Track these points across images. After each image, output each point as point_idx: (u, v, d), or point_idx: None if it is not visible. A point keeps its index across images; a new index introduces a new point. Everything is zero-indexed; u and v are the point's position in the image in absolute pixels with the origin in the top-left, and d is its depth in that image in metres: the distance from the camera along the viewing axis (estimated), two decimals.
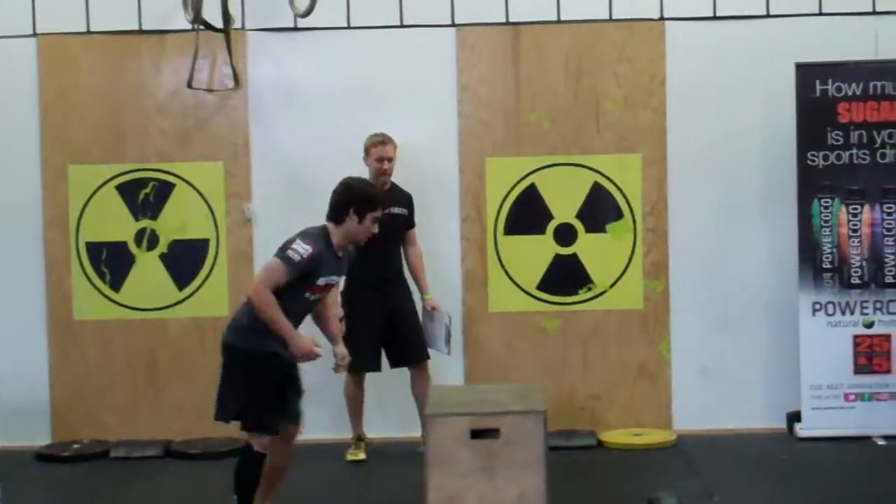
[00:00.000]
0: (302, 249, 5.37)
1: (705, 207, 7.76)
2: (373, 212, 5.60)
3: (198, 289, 7.81)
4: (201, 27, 7.29)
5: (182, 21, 7.38)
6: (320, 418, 7.14)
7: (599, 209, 7.77)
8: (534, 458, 5.30)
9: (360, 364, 6.86)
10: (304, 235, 5.48)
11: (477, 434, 5.25)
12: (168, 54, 7.79)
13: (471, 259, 7.78)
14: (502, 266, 7.77)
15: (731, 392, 7.72)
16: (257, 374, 5.43)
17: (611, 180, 7.75)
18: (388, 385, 7.33)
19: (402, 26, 7.75)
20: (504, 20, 7.74)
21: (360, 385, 7.25)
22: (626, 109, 7.73)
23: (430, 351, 7.29)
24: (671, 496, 4.61)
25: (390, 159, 7.22)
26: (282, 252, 5.40)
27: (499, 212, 7.74)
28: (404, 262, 7.33)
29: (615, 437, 7.56)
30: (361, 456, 7.21)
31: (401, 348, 7.24)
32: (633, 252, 7.76)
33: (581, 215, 7.76)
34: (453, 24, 7.75)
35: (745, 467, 6.94)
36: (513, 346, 7.72)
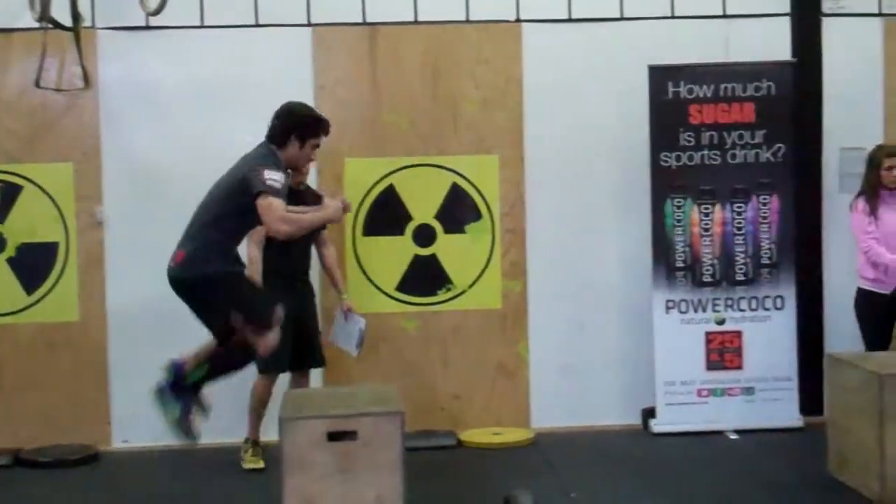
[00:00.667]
0: (277, 176, 5.36)
1: (562, 208, 7.83)
2: (315, 138, 5.63)
3: (47, 293, 7.59)
4: (49, 25, 7.07)
5: (29, 19, 7.16)
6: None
7: (458, 210, 7.79)
8: (392, 460, 5.30)
9: (276, 365, 6.75)
10: (265, 164, 5.42)
11: (334, 436, 5.21)
12: (15, 53, 7.56)
13: None
14: (361, 267, 7.73)
15: (587, 390, 7.81)
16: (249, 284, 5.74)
17: (469, 181, 7.77)
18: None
19: (257, 25, 7.65)
20: (361, 20, 7.70)
21: (271, 387, 7.00)
22: (483, 110, 7.76)
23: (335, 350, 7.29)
24: (527, 494, 4.63)
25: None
26: (262, 185, 5.32)
27: (357, 213, 7.69)
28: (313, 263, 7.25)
29: (474, 436, 7.58)
30: (261, 464, 6.94)
31: (303, 351, 7.05)
32: (491, 252, 7.80)
33: (440, 216, 7.76)
34: (309, 24, 7.67)
35: (602, 464, 7.02)
36: (372, 347, 7.69)
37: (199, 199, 5.66)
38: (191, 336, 5.72)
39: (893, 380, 6.01)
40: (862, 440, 6.22)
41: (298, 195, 6.65)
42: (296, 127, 5.57)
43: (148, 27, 7.48)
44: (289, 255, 6.84)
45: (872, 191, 7.22)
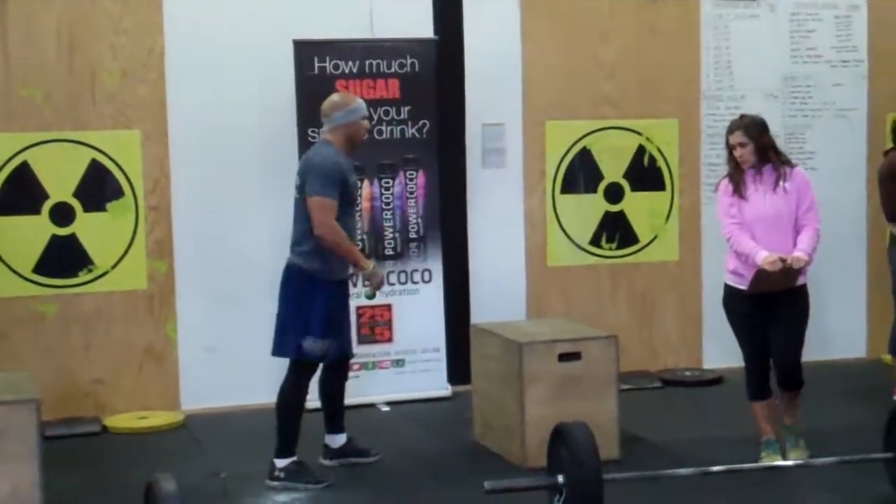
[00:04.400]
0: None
1: (208, 184, 7.66)
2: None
3: None
4: None
5: None
6: None
7: (98, 187, 7.46)
8: (27, 450, 5.09)
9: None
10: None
11: None
12: None
13: None
14: None
15: (238, 370, 7.67)
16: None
17: (109, 157, 7.47)
18: None
19: None
20: None
21: None
22: (123, 83, 7.48)
23: None
24: (168, 479, 4.48)
25: None
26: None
27: None
28: None
29: (120, 421, 7.33)
30: None
31: None
32: (135, 231, 7.54)
33: (78, 194, 7.42)
34: None
35: (253, 443, 6.89)
36: (7, 333, 7.27)
37: None
38: None
39: (531, 347, 6.23)
40: (504, 407, 6.42)
41: None
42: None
43: None
44: None
45: (736, 171, 6.11)
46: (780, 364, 6.11)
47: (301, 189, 6.05)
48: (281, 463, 6.06)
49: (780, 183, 6.02)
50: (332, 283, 6.05)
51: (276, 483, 6.03)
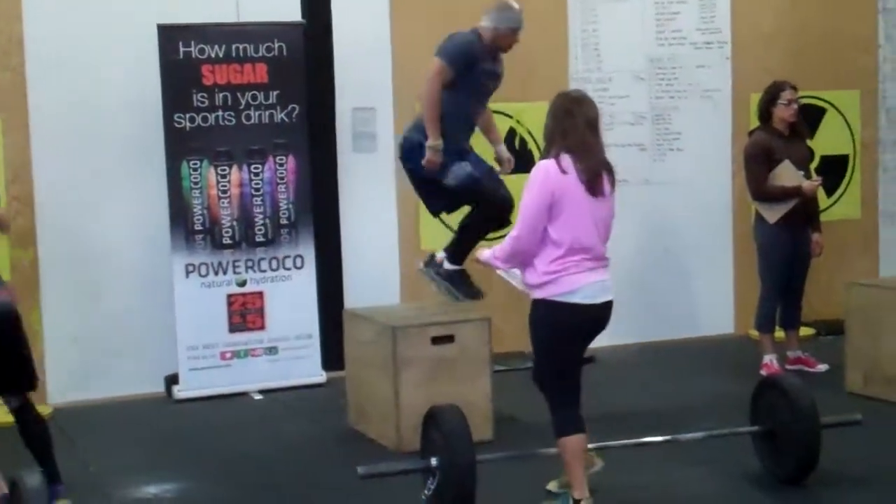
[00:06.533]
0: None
1: (73, 172, 7.50)
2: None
3: None
4: None
5: None
6: None
7: None
8: None
9: None
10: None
11: None
12: None
13: None
14: None
15: (107, 360, 7.55)
16: None
17: None
18: None
19: None
20: None
21: None
22: None
23: None
24: (34, 473, 4.39)
25: None
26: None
27: None
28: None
29: None
30: None
31: None
32: None
33: None
34: None
35: (123, 435, 6.86)
36: None
37: None
38: None
39: (405, 331, 6.23)
40: (378, 391, 6.41)
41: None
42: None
43: None
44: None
45: None
46: None
47: None
48: (448, 265, 6.47)
49: None
50: None
51: (433, 274, 6.47)
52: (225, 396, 7.50)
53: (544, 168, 4.96)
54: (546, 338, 5.08)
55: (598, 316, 5.02)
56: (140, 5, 7.48)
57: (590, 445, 5.07)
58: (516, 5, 6.54)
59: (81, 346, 7.52)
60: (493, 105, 8.08)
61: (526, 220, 4.97)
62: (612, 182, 5.02)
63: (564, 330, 4.99)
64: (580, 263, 4.95)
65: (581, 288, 4.94)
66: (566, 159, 4.93)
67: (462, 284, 6.49)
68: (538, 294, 5.07)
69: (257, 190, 7.68)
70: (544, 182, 4.92)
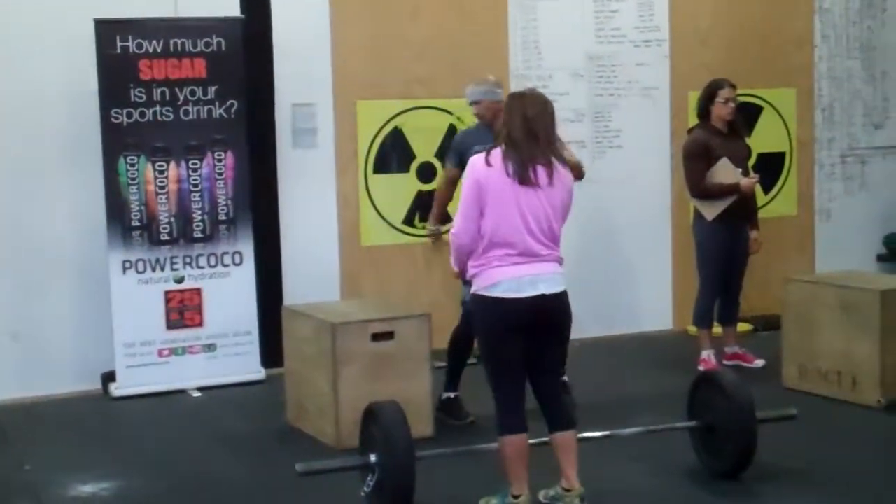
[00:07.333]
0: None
1: (7, 167, 7.39)
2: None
3: None
4: None
5: None
6: None
7: None
8: None
9: None
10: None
11: None
12: None
13: None
14: None
15: (42, 358, 7.45)
16: None
17: None
18: None
19: None
20: None
21: None
22: None
23: None
24: None
25: None
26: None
27: None
28: None
29: None
30: None
31: None
32: None
33: None
34: None
35: (60, 433, 6.77)
36: None
37: None
38: None
39: (344, 328, 6.21)
40: (318, 388, 6.39)
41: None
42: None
43: None
44: None
45: None
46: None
47: None
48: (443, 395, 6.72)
49: None
50: None
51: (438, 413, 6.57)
52: (163, 394, 7.42)
53: (472, 162, 5.06)
54: (481, 331, 5.10)
55: (533, 310, 4.94)
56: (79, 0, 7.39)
57: (530, 441, 5.07)
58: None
59: (16, 343, 7.41)
60: (432, 102, 8.11)
61: (459, 214, 5.02)
62: (551, 174, 4.97)
63: (493, 323, 4.98)
64: (504, 258, 4.93)
65: (501, 282, 4.92)
66: (496, 153, 4.97)
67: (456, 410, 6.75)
68: (472, 288, 5.08)
69: (195, 186, 7.61)
70: (470, 174, 5.01)
